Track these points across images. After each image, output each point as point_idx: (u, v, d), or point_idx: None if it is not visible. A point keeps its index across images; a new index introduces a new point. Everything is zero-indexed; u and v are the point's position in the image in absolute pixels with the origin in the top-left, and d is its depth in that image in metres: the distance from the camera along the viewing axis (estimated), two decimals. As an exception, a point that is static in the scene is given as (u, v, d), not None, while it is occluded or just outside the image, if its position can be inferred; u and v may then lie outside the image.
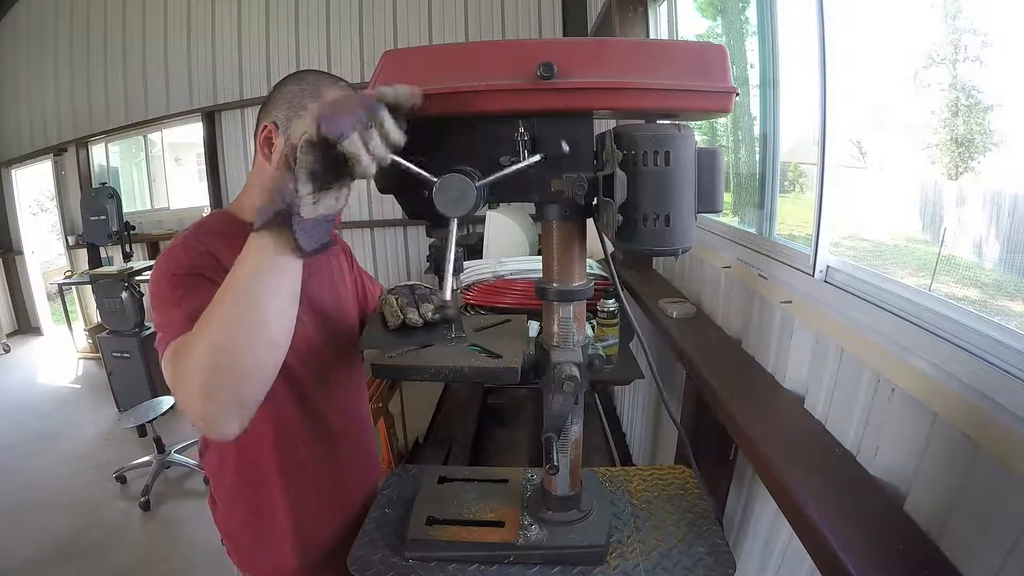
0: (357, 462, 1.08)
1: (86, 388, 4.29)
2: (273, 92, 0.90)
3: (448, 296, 0.61)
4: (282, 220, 0.57)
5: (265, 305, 0.61)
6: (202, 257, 0.80)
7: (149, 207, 5.20)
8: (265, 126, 0.88)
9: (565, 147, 0.61)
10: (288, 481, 0.94)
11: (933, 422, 0.70)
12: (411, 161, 0.58)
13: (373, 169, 0.53)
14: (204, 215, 0.92)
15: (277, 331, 0.64)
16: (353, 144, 0.52)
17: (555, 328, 0.73)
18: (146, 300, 3.47)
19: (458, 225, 0.68)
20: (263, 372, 0.64)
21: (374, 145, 0.53)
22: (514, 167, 0.59)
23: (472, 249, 2.75)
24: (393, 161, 0.56)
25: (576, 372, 0.70)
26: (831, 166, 1.06)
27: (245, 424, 0.65)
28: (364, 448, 1.11)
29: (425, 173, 0.58)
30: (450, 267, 0.60)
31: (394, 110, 0.55)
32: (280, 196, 0.57)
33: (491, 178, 0.59)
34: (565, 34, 3.99)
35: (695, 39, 2.05)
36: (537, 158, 0.60)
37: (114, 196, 3.80)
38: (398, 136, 0.54)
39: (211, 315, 0.62)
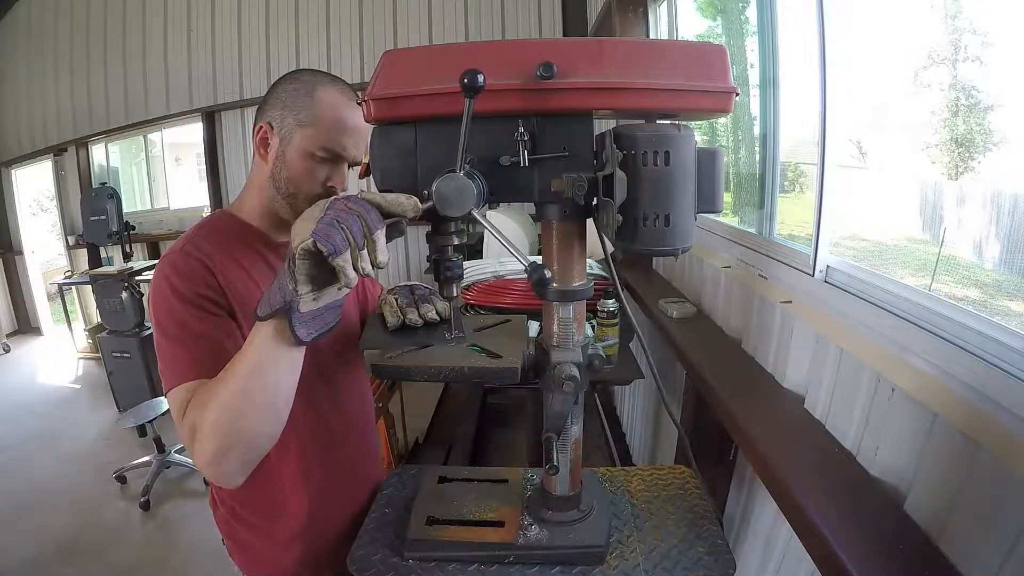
0: (361, 461, 1.07)
1: (86, 388, 4.28)
2: (269, 92, 0.89)
3: (529, 260, 0.63)
4: (282, 313, 0.63)
5: (268, 387, 0.69)
6: (199, 274, 0.81)
7: (149, 207, 5.19)
8: (261, 127, 0.88)
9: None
10: (293, 481, 0.93)
11: (933, 422, 0.70)
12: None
13: (355, 281, 0.59)
14: (204, 215, 0.93)
15: (280, 404, 0.71)
16: (343, 261, 0.57)
17: (555, 328, 0.73)
18: (146, 300, 3.46)
19: (457, 227, 0.68)
20: (267, 439, 0.73)
21: (362, 264, 0.58)
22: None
23: (472, 249, 2.75)
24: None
25: (576, 372, 0.70)
26: (831, 166, 1.06)
27: (249, 473, 0.73)
28: (368, 447, 1.11)
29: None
30: (509, 243, 0.62)
31: (390, 215, 0.61)
32: (280, 293, 0.62)
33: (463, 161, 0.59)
34: (565, 34, 3.99)
35: (695, 39, 2.05)
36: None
37: (114, 196, 3.80)
38: (384, 258, 0.59)
39: (219, 394, 0.68)
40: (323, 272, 0.60)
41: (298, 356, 0.70)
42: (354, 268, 0.58)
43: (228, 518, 0.97)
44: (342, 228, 0.58)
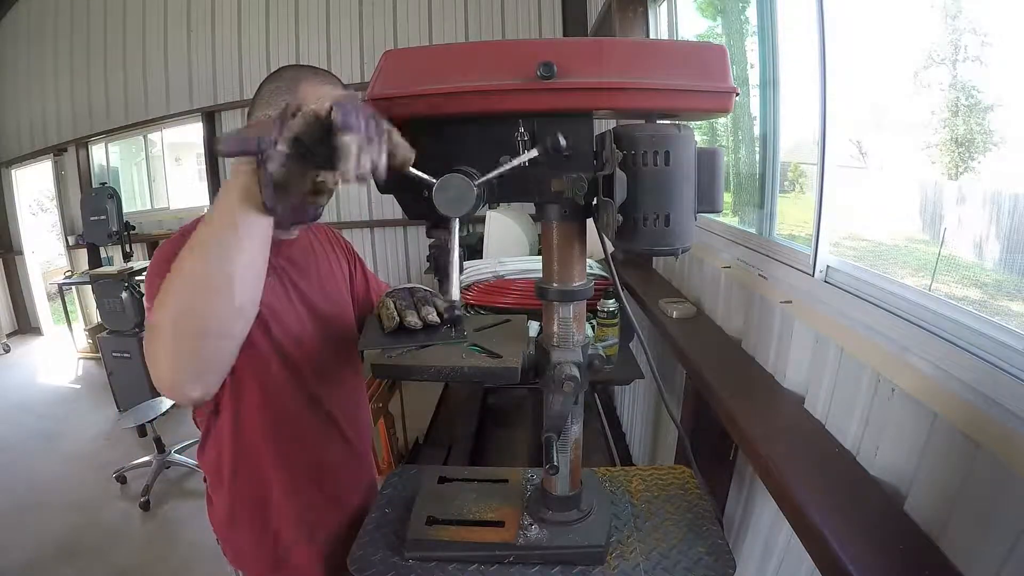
0: (353, 464, 1.07)
1: (86, 388, 4.28)
2: (255, 94, 0.88)
3: (456, 295, 0.60)
4: (251, 167, 0.55)
5: (231, 264, 0.59)
6: None
7: (149, 207, 5.19)
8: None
9: (563, 140, 0.60)
10: (286, 479, 0.94)
11: (933, 422, 0.70)
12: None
13: (353, 174, 0.50)
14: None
15: (243, 294, 0.61)
16: (350, 142, 0.49)
17: (555, 328, 0.73)
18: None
19: (459, 225, 0.68)
20: (227, 337, 0.63)
21: (365, 156, 0.50)
22: (512, 163, 0.59)
23: (472, 249, 2.75)
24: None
25: (576, 372, 0.70)
26: (831, 166, 1.06)
27: (210, 389, 0.65)
28: (361, 450, 1.11)
29: (425, 176, 0.58)
30: (455, 267, 0.60)
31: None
32: (258, 138, 0.53)
33: (489, 175, 0.59)
34: (565, 34, 3.99)
35: (695, 39, 2.05)
36: (534, 153, 0.59)
37: (114, 196, 3.80)
38: (410, 155, 0.54)
39: (176, 275, 0.60)
40: (311, 146, 0.52)
41: (260, 232, 0.60)
42: (356, 155, 0.49)
43: (221, 515, 0.97)
44: (363, 115, 0.50)
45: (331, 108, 0.50)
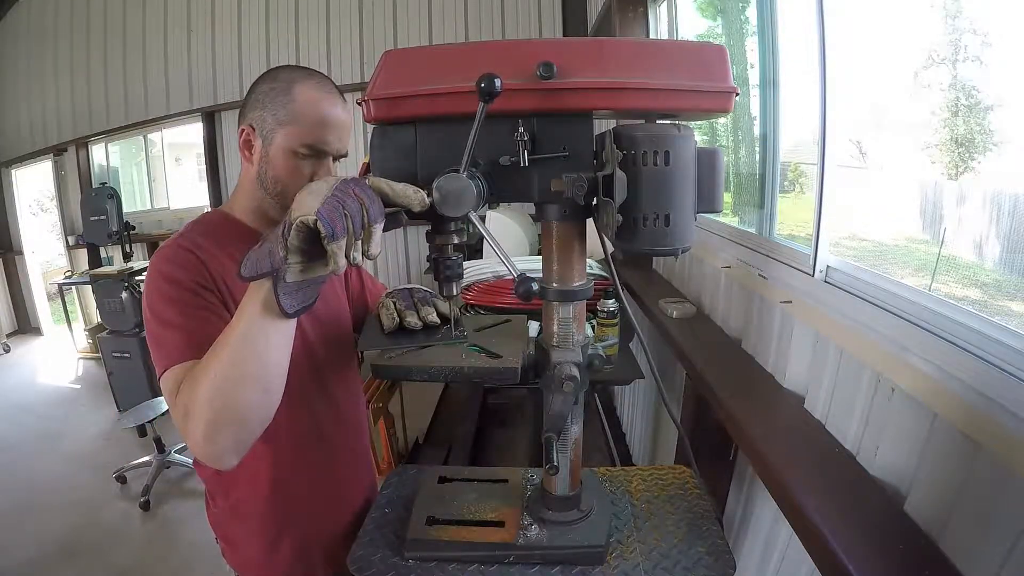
0: (355, 462, 1.07)
1: (86, 388, 4.28)
2: (248, 94, 0.88)
3: (516, 271, 0.62)
4: (268, 278, 0.61)
5: (259, 359, 0.66)
6: (192, 263, 0.81)
7: (149, 207, 5.19)
8: (243, 129, 0.87)
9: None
10: (287, 481, 0.94)
11: (933, 422, 0.70)
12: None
13: (342, 270, 0.58)
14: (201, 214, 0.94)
15: (271, 380, 0.68)
16: (337, 247, 0.56)
17: (555, 328, 0.73)
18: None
19: (457, 226, 0.68)
20: (259, 414, 0.69)
21: (354, 254, 0.58)
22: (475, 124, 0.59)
23: (472, 249, 2.75)
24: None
25: (576, 372, 0.70)
26: (831, 166, 1.06)
27: (244, 453, 0.71)
28: (360, 450, 1.11)
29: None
30: (500, 250, 0.62)
31: (394, 206, 0.60)
32: (269, 259, 0.60)
33: (466, 153, 0.59)
34: (565, 34, 3.99)
35: (695, 39, 2.05)
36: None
37: (114, 196, 3.80)
38: (377, 251, 0.59)
39: (209, 369, 0.66)
40: (314, 248, 0.59)
41: (286, 330, 0.67)
42: (345, 256, 0.57)
43: (222, 518, 0.97)
44: (344, 214, 0.56)
45: (316, 219, 0.56)
